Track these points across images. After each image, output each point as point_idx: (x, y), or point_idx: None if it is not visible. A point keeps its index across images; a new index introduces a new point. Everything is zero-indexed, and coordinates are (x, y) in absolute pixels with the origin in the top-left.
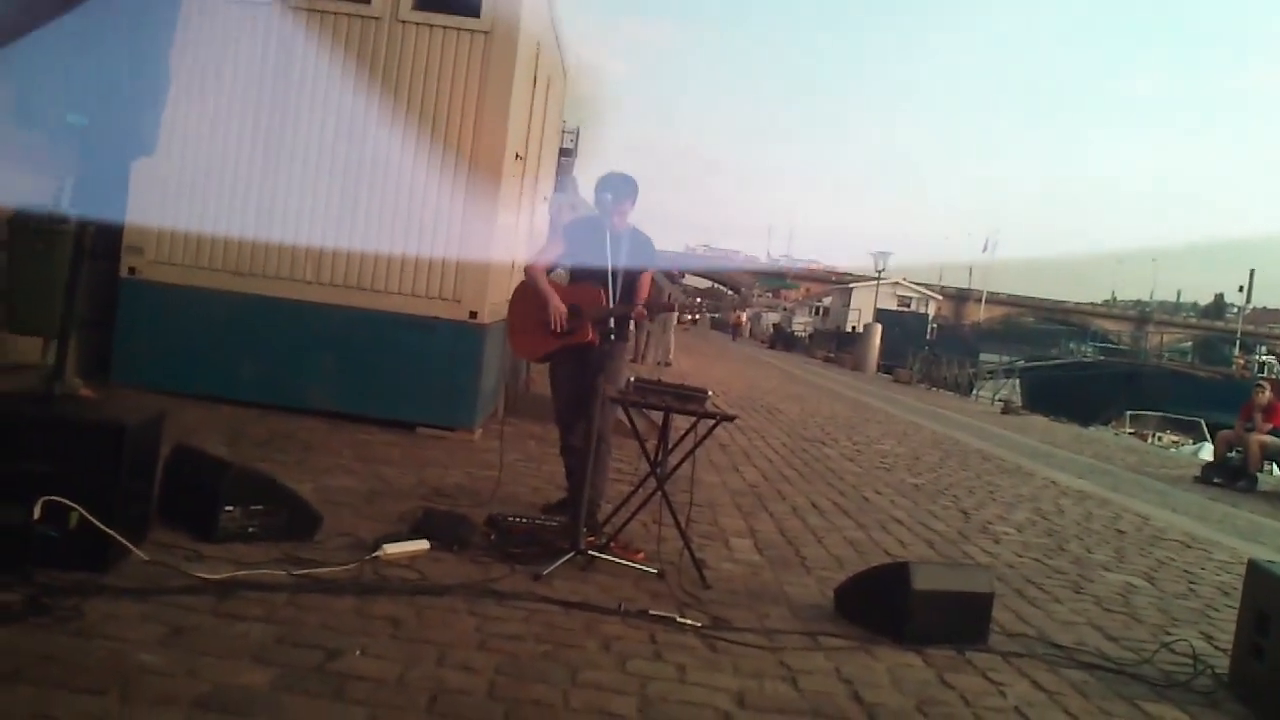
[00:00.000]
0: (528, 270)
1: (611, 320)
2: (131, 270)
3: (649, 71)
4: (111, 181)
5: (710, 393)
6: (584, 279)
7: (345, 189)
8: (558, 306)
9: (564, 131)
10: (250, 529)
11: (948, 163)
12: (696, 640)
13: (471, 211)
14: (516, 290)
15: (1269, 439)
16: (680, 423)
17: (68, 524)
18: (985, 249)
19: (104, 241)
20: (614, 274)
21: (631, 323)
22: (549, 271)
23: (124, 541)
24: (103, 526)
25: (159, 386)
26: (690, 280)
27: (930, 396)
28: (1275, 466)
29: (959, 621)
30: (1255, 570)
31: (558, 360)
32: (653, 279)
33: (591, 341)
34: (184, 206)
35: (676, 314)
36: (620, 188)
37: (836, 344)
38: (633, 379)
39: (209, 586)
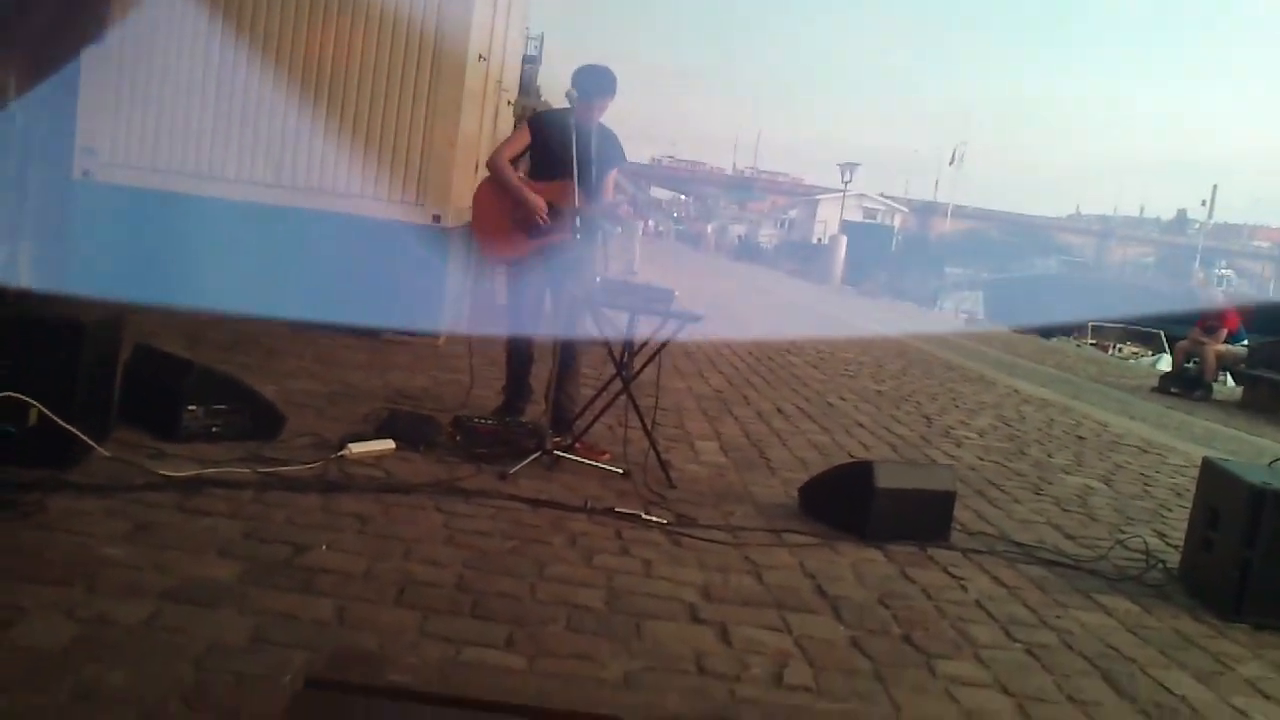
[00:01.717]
0: (493, 165)
1: (580, 221)
2: (85, 173)
3: None
4: (61, 74)
5: (677, 293)
6: (549, 175)
7: (305, 89)
8: (538, 203)
9: (528, 38)
10: (214, 428)
11: (917, 76)
12: (662, 536)
13: (434, 113)
14: (481, 189)
15: (1224, 348)
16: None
17: (27, 421)
18: (952, 161)
19: (55, 142)
20: (587, 171)
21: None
22: (513, 163)
23: (85, 439)
24: (63, 423)
25: (117, 292)
26: (655, 192)
27: (894, 308)
28: (1229, 376)
29: (921, 519)
30: (1209, 467)
31: (528, 262)
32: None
33: (569, 240)
34: (139, 106)
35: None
36: (601, 82)
37: (802, 256)
38: (599, 279)
39: (173, 483)
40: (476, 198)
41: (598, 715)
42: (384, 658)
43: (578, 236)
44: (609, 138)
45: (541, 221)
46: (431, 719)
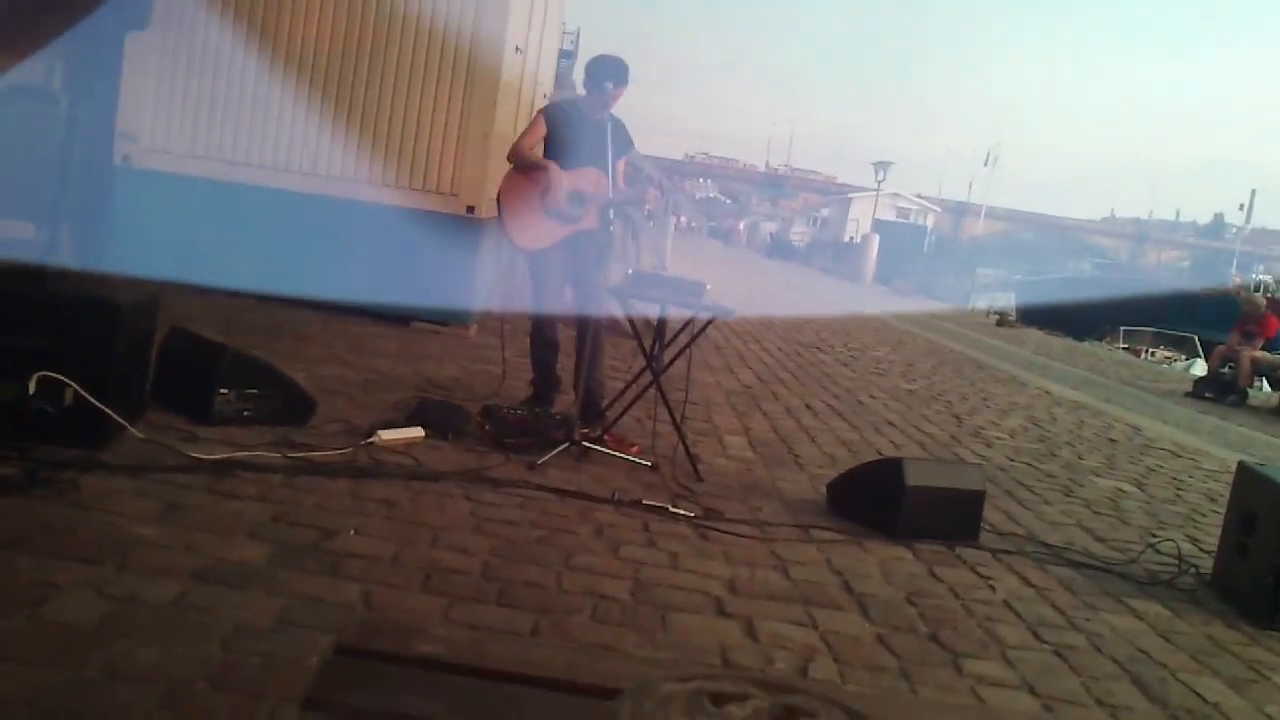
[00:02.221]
0: (515, 155)
1: (610, 209)
2: (124, 158)
3: None
4: (104, 60)
5: (708, 286)
6: (566, 164)
7: (342, 80)
8: (558, 181)
9: (564, 33)
10: (245, 412)
11: (953, 75)
12: (689, 530)
13: (470, 105)
14: (506, 179)
15: (1261, 354)
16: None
17: (63, 401)
18: (986, 163)
19: (96, 127)
20: (608, 159)
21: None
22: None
23: (119, 419)
24: (97, 403)
25: (154, 276)
26: (690, 187)
27: (926, 307)
28: (1265, 383)
29: (950, 518)
30: (1244, 471)
31: (555, 251)
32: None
33: (595, 228)
34: (178, 94)
35: (674, 218)
36: (615, 71)
37: (833, 254)
38: (630, 271)
39: (204, 466)
40: (502, 188)
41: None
42: (414, 629)
43: (608, 226)
44: (619, 128)
45: (560, 203)
46: (461, 690)
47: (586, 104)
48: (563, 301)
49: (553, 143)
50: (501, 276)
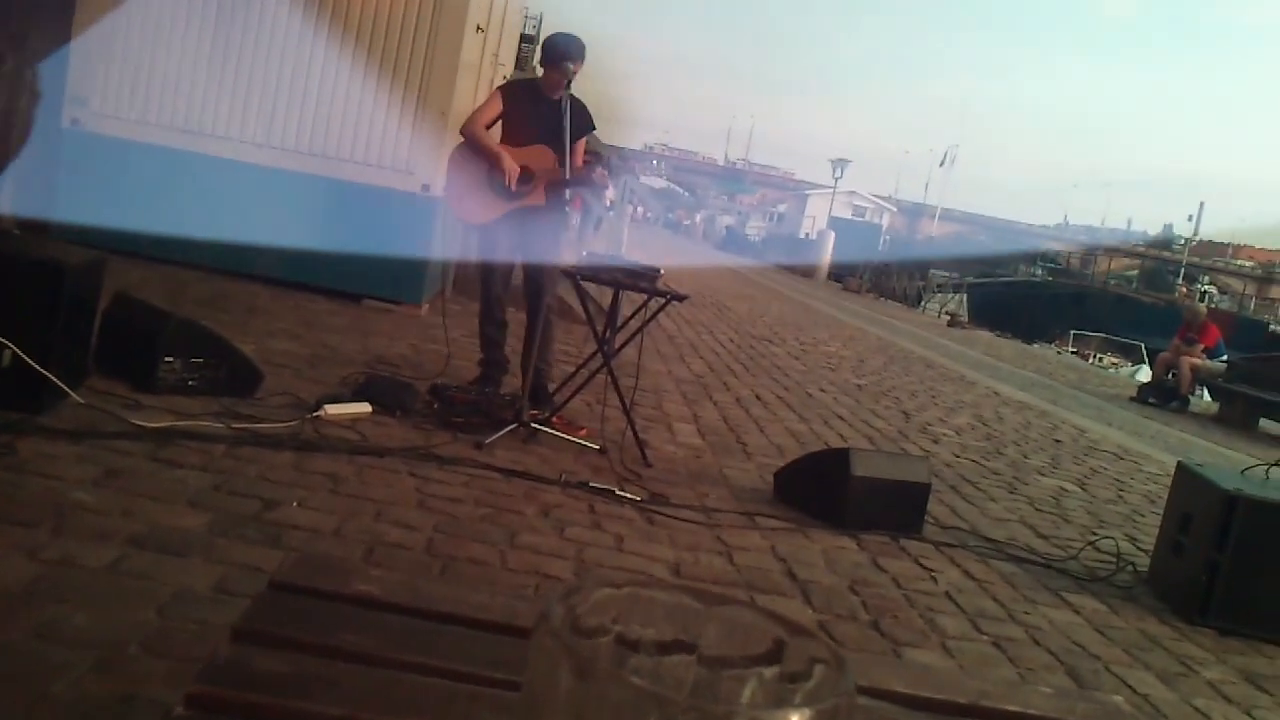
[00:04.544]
0: (468, 132)
1: (566, 189)
2: (74, 121)
3: None
4: (53, 18)
5: (662, 271)
6: (520, 141)
7: (301, 52)
8: (511, 166)
9: (526, 17)
10: (190, 382)
11: (913, 76)
12: (635, 513)
13: (429, 82)
14: (454, 154)
15: (1200, 361)
16: (629, 307)
17: (0, 362)
18: (943, 164)
19: (45, 88)
20: (559, 138)
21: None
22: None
23: (60, 384)
24: (37, 366)
25: (100, 243)
26: (646, 180)
27: (879, 306)
28: (1205, 390)
29: (895, 509)
30: (1184, 472)
31: (500, 226)
32: (587, 147)
33: (542, 205)
34: (132, 58)
35: (631, 207)
36: (566, 47)
37: (788, 249)
38: (585, 254)
39: (146, 433)
40: (450, 162)
41: None
42: (351, 568)
43: (561, 204)
44: (579, 107)
45: (511, 186)
46: (396, 628)
47: (544, 83)
48: (509, 278)
49: (509, 120)
50: (457, 256)
